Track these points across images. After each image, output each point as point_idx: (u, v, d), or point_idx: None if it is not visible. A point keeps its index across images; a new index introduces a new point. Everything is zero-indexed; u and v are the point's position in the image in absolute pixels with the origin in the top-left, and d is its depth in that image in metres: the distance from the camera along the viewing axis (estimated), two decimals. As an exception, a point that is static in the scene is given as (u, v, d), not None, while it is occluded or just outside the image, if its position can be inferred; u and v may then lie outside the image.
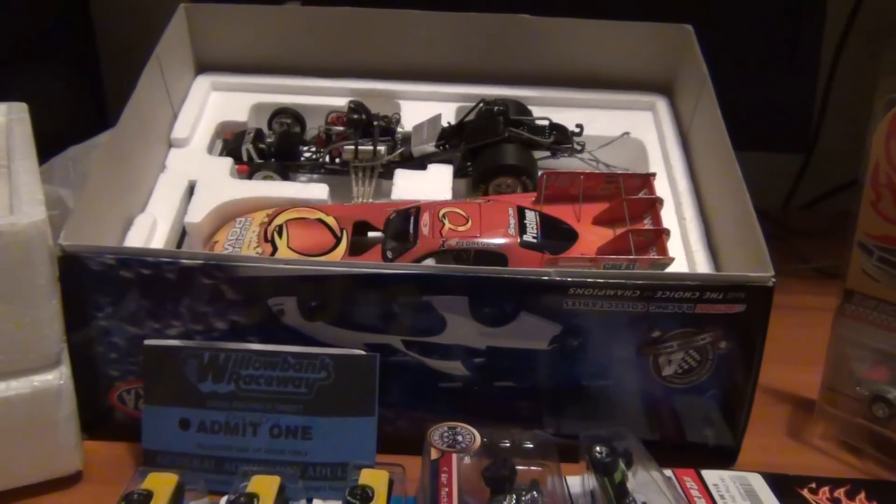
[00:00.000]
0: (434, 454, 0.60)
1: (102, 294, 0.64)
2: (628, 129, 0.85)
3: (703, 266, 0.72)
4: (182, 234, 0.76)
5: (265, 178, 0.80)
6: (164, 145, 0.81)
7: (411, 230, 0.71)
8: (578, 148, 0.82)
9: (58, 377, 0.61)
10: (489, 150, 0.80)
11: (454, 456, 0.60)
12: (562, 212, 0.74)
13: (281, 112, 0.85)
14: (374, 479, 0.58)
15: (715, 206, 0.76)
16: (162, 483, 0.57)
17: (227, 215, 0.75)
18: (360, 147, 0.80)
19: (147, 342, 0.64)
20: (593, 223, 0.73)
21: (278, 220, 0.73)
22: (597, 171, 0.80)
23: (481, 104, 0.83)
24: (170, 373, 0.63)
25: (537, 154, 0.81)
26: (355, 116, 0.82)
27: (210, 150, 0.83)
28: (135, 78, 0.77)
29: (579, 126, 0.83)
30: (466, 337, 0.65)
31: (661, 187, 0.78)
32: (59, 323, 0.61)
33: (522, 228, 0.70)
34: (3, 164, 0.66)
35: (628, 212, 0.72)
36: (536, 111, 0.85)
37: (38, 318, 0.60)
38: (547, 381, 0.67)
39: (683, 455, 0.67)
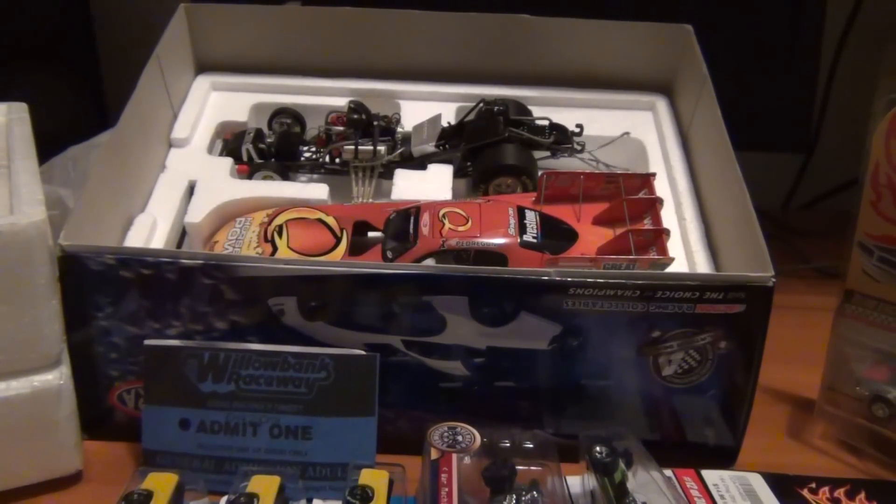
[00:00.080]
0: (434, 454, 0.60)
1: (102, 294, 0.64)
2: (628, 129, 0.85)
3: (703, 266, 0.72)
4: (182, 234, 0.76)
5: (265, 178, 0.80)
6: (164, 145, 0.81)
7: (411, 230, 0.71)
8: (578, 148, 0.82)
9: (58, 377, 0.61)
10: (489, 150, 0.80)
11: (454, 456, 0.60)
12: (562, 212, 0.73)
13: (281, 112, 0.85)
14: (374, 479, 0.58)
15: (715, 206, 0.76)
16: (162, 483, 0.57)
17: (227, 215, 0.75)
18: (360, 147, 0.80)
19: (147, 342, 0.64)
20: (593, 223, 0.73)
21: (278, 220, 0.73)
22: (597, 171, 0.80)
23: (481, 104, 0.83)
24: (170, 373, 0.63)
25: (537, 154, 0.81)
26: (355, 116, 0.82)
27: (210, 150, 0.83)
28: (135, 78, 0.77)
29: (579, 126, 0.83)
30: (466, 337, 0.65)
31: (661, 187, 0.78)
32: (59, 323, 0.61)
33: (522, 228, 0.70)
34: (3, 164, 0.66)
35: (628, 212, 0.72)
36: (536, 111, 0.85)
37: (38, 318, 0.60)
38: (547, 381, 0.67)
39: (683, 455, 0.67)
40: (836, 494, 0.65)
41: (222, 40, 0.89)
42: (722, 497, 0.64)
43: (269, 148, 0.81)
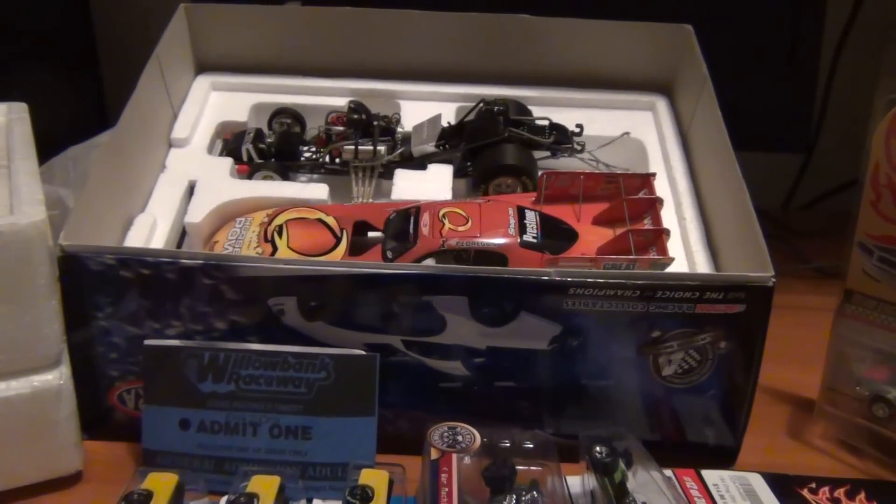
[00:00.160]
0: (434, 454, 0.60)
1: (102, 294, 0.64)
2: (628, 129, 0.85)
3: (703, 266, 0.72)
4: (182, 234, 0.76)
5: (265, 178, 0.80)
6: (164, 145, 0.81)
7: (411, 230, 0.71)
8: (578, 148, 0.82)
9: (58, 377, 0.61)
10: (489, 150, 0.80)
11: (454, 456, 0.60)
12: (562, 212, 0.73)
13: (281, 112, 0.85)
14: (374, 479, 0.58)
15: (715, 206, 0.76)
16: (162, 483, 0.57)
17: (227, 215, 0.75)
18: (360, 147, 0.80)
19: (147, 342, 0.64)
20: (593, 223, 0.73)
21: (278, 220, 0.73)
22: (597, 171, 0.80)
23: (481, 104, 0.83)
24: (170, 373, 0.63)
25: (537, 154, 0.81)
26: (355, 116, 0.82)
27: (210, 150, 0.83)
28: (135, 78, 0.77)
29: (579, 126, 0.83)
30: (466, 337, 0.65)
31: (661, 187, 0.78)
32: (59, 323, 0.61)
33: (522, 228, 0.70)
34: (3, 164, 0.66)
35: (628, 212, 0.72)
36: (536, 111, 0.85)
37: (38, 318, 0.60)
38: (547, 381, 0.67)
39: (683, 455, 0.67)
40: (836, 494, 0.65)
41: (222, 40, 0.89)
42: (722, 497, 0.64)
43: (269, 148, 0.81)
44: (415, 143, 0.82)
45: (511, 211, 0.72)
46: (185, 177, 0.78)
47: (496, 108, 0.82)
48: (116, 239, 0.71)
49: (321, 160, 0.81)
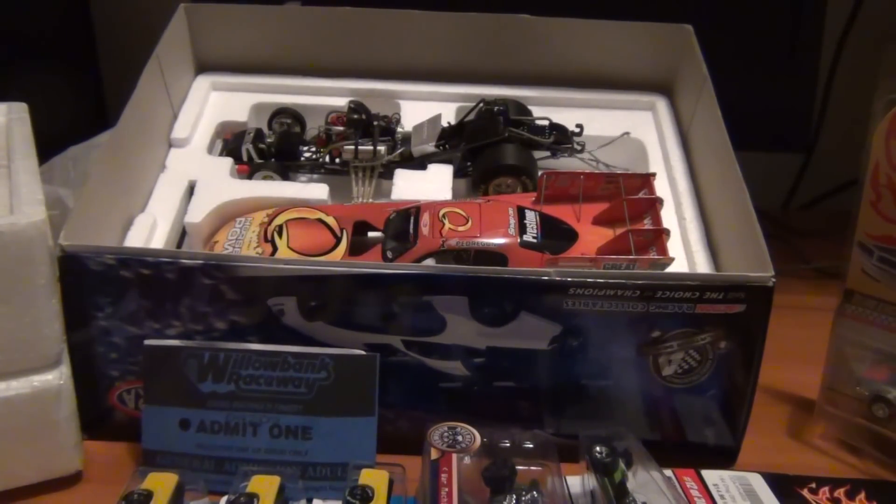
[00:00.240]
0: (434, 454, 0.60)
1: (102, 294, 0.64)
2: (628, 129, 0.85)
3: (703, 266, 0.72)
4: (182, 234, 0.76)
5: (265, 178, 0.80)
6: (164, 145, 0.81)
7: (411, 230, 0.71)
8: (578, 148, 0.82)
9: (58, 377, 0.61)
10: (489, 150, 0.80)
11: (454, 456, 0.60)
12: (562, 212, 0.73)
13: (281, 112, 0.85)
14: (374, 479, 0.58)
15: (715, 206, 0.76)
16: (162, 483, 0.57)
17: (227, 215, 0.75)
18: (360, 147, 0.80)
19: (147, 342, 0.64)
20: (593, 223, 0.73)
21: (278, 220, 0.73)
22: (597, 171, 0.80)
23: (481, 104, 0.83)
24: (170, 373, 0.63)
25: (537, 154, 0.81)
26: (355, 116, 0.82)
27: (210, 150, 0.83)
28: (135, 78, 0.77)
29: (579, 126, 0.83)
30: (466, 337, 0.65)
31: (661, 187, 0.78)
32: (59, 323, 0.61)
33: (522, 228, 0.70)
34: (3, 164, 0.66)
35: (628, 212, 0.72)
36: (536, 111, 0.85)
37: (38, 318, 0.60)
38: (547, 381, 0.67)
39: (683, 455, 0.67)
40: (836, 494, 0.65)
41: (222, 40, 0.89)
42: (722, 497, 0.64)
43: (269, 148, 0.81)
44: (415, 143, 0.82)
45: (511, 211, 0.72)
46: (185, 177, 0.78)
47: (496, 108, 0.82)
48: (116, 239, 0.71)
49: (321, 160, 0.81)
